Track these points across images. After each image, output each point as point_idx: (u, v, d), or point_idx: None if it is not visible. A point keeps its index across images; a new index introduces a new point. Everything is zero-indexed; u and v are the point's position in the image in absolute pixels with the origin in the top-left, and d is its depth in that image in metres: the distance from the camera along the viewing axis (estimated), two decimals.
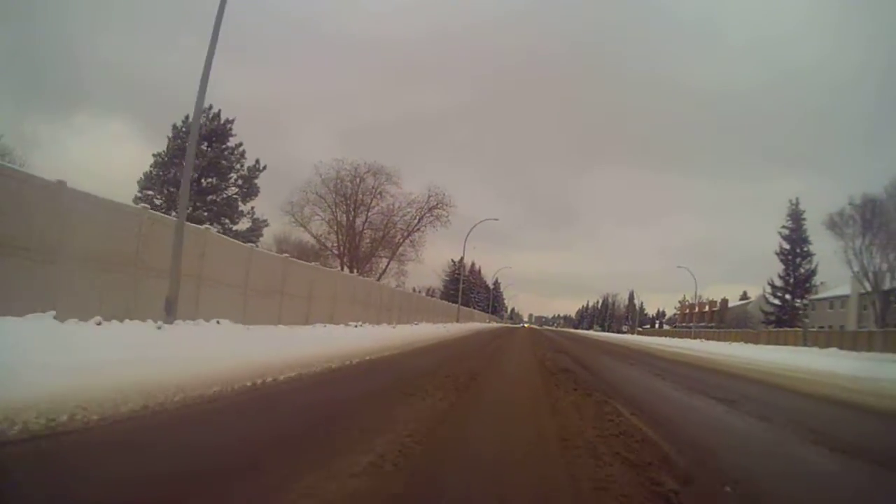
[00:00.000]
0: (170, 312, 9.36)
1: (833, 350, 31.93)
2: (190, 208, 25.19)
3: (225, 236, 17.16)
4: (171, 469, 3.09)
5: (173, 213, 13.73)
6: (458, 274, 68.89)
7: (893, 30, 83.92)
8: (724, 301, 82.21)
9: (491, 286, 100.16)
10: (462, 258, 63.94)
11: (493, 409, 5.98)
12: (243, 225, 28.10)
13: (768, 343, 47.11)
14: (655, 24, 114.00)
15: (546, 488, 3.24)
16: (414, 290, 46.61)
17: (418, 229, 42.27)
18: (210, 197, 26.30)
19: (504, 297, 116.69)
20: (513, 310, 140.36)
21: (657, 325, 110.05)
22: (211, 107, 27.23)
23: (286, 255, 18.62)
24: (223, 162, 26.21)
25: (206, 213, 26.11)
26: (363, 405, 5.53)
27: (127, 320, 8.59)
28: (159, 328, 8.34)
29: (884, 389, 10.43)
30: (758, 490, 3.45)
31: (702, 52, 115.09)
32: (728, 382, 11.44)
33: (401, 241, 42.17)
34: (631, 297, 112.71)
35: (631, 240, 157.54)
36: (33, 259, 8.08)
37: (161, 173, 27.05)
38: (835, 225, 45.29)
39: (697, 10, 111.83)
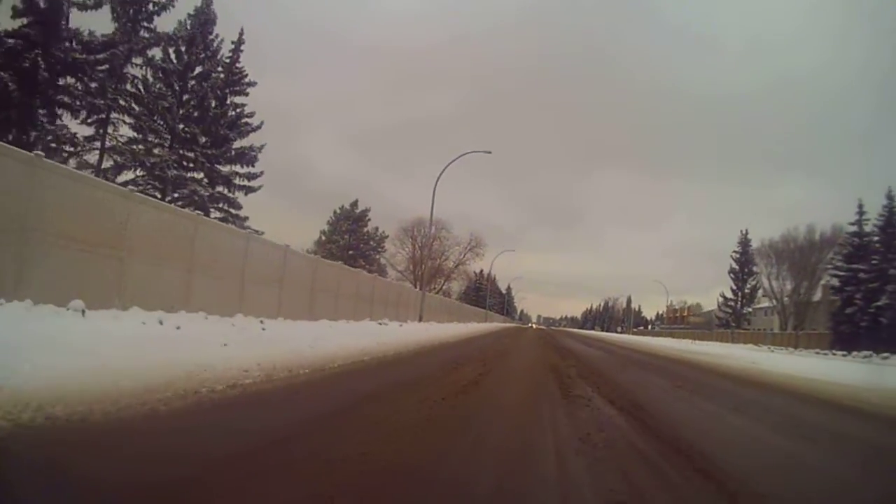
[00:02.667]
0: (421, 319, 29.58)
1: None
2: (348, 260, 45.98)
3: (406, 285, 37.61)
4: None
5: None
6: (479, 283, 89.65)
7: (893, 35, 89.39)
8: (699, 306, 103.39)
9: (504, 291, 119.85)
10: (482, 270, 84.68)
11: (530, 339, 26.79)
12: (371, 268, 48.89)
13: (712, 340, 60.36)
14: (657, 32, 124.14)
15: (532, 341, 23.81)
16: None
17: (463, 262, 63.32)
18: (357, 252, 47.30)
19: (515, 299, 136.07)
20: (522, 311, 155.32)
21: (649, 327, 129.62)
22: (356, 201, 48.80)
23: (446, 297, 39.53)
24: (365, 237, 47.47)
25: (353, 262, 46.72)
26: (507, 338, 26.20)
27: (408, 321, 28.57)
28: (429, 323, 28.67)
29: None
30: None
31: (702, 58, 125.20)
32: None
33: (452, 269, 63.24)
34: (628, 302, 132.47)
35: (635, 242, 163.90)
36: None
37: (326, 240, 48.25)
38: (754, 257, 66.06)
39: (696, 15, 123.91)
